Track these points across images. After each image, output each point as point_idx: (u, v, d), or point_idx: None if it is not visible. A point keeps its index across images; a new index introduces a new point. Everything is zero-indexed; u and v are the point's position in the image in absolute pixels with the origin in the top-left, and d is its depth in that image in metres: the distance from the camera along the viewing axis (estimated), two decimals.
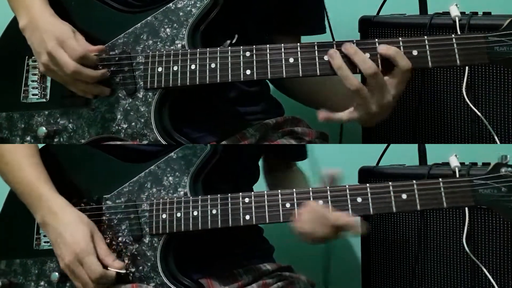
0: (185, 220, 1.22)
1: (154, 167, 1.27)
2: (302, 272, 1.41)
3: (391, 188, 1.16)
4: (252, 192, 1.22)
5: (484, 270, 1.41)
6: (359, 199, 1.17)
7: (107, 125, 1.28)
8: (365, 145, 1.67)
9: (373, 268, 1.60)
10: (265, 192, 1.22)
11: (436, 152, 1.57)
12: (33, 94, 1.35)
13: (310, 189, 1.20)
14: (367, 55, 1.16)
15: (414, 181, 1.16)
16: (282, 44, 1.19)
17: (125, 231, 1.26)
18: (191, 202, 1.23)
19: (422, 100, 1.54)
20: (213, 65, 1.21)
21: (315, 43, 1.19)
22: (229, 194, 1.22)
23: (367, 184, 1.18)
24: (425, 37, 1.16)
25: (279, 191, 1.21)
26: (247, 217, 1.20)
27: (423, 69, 1.26)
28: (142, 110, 1.26)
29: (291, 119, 1.44)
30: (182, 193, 1.25)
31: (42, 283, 1.31)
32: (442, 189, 1.15)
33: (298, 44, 1.19)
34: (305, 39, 1.52)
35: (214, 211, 1.21)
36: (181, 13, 1.25)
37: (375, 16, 1.59)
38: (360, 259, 1.62)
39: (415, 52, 1.16)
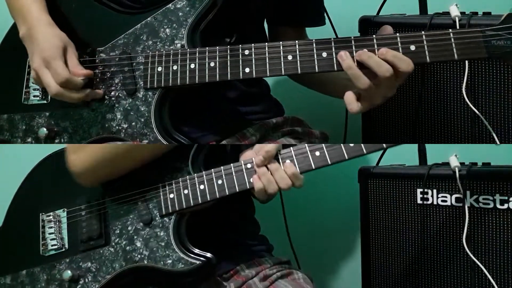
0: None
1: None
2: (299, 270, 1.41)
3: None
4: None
5: (484, 270, 1.41)
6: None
7: (107, 125, 1.28)
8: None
9: (373, 268, 1.60)
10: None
11: (436, 152, 1.57)
12: (34, 96, 1.35)
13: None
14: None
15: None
16: (281, 42, 1.19)
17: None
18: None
19: (422, 100, 1.54)
20: (212, 64, 1.21)
21: (313, 40, 1.19)
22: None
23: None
24: (423, 32, 1.15)
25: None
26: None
27: (421, 64, 1.25)
28: (142, 109, 1.26)
29: (291, 119, 1.45)
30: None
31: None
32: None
33: (297, 41, 1.19)
34: (309, 31, 1.54)
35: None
36: (180, 13, 1.26)
37: (375, 16, 1.59)
38: (360, 259, 1.62)
39: (412, 47, 1.15)
